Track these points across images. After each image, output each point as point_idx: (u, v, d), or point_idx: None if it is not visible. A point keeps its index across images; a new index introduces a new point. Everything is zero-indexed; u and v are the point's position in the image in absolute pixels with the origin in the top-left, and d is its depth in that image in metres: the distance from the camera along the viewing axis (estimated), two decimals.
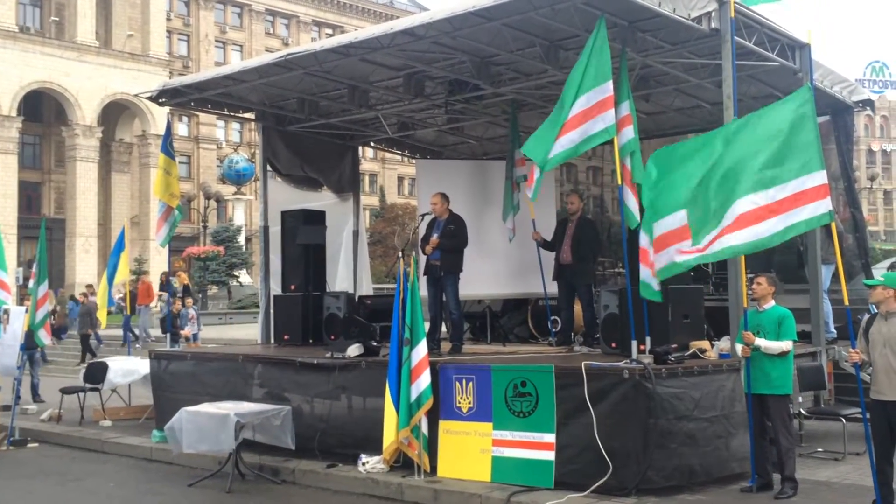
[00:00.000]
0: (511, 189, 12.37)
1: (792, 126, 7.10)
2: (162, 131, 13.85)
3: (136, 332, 23.53)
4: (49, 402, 14.67)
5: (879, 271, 13.81)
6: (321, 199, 15.05)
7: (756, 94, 11.99)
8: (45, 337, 13.67)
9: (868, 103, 12.38)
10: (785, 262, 12.43)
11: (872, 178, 68.61)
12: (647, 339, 8.48)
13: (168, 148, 13.48)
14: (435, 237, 10.75)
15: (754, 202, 7.10)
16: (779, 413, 7.67)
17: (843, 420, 9.33)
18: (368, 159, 65.35)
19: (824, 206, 6.91)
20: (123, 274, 15.83)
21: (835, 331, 10.97)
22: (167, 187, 13.18)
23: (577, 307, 11.37)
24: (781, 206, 7.00)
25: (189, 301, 21.86)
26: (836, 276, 11.27)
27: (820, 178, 6.93)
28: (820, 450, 9.54)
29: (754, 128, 7.38)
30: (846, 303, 7.14)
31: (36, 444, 12.31)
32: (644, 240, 7.98)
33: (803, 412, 9.65)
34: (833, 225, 7.32)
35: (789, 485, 7.57)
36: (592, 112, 8.11)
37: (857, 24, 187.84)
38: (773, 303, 7.87)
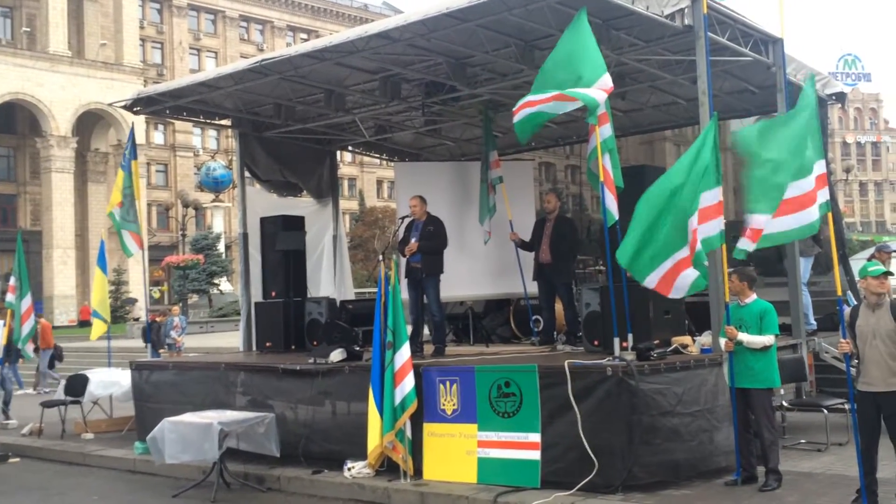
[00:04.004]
0: (486, 191, 12.39)
1: (805, 119, 7.19)
2: (137, 140, 13.56)
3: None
4: (30, 418, 14.50)
5: (856, 262, 13.93)
6: (300, 205, 15.01)
7: (730, 90, 12.08)
8: (30, 350, 13.61)
9: (841, 96, 12.48)
10: (764, 255, 12.48)
11: (848, 170, 69.30)
12: (630, 336, 8.50)
13: (127, 160, 13.42)
14: (413, 241, 10.73)
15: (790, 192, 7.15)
16: (762, 406, 7.72)
17: (825, 411, 9.38)
18: (347, 163, 65.24)
19: (824, 195, 6.99)
20: (102, 291, 15.59)
21: (815, 322, 11.05)
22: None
23: (559, 306, 11.39)
24: (807, 200, 7.07)
25: (175, 309, 21.74)
26: (815, 267, 11.39)
27: (822, 167, 7.03)
28: (803, 441, 9.60)
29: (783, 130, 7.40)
30: (838, 292, 7.19)
31: (17, 459, 12.20)
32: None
33: (785, 404, 9.70)
34: (830, 215, 7.38)
35: (773, 477, 7.62)
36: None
37: (829, 18, 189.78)
38: (754, 297, 7.90)
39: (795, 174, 7.14)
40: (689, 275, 7.66)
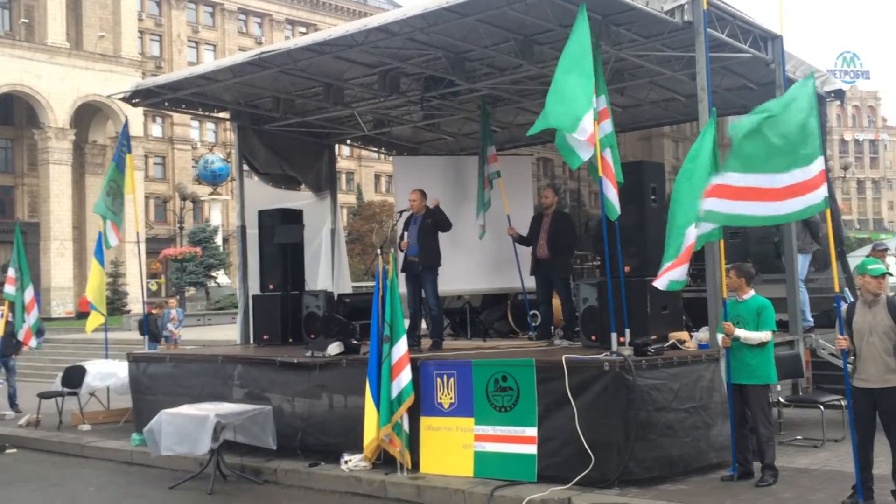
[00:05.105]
0: (483, 186, 12.39)
1: (801, 114, 7.18)
2: (135, 132, 13.63)
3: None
4: (27, 409, 14.51)
5: (853, 259, 13.97)
6: (298, 199, 15.00)
7: (730, 86, 12.09)
8: (33, 341, 13.79)
9: (839, 93, 12.48)
10: (762, 252, 12.54)
11: (846, 168, 69.39)
12: (627, 331, 8.51)
13: (118, 154, 13.47)
14: (406, 238, 10.77)
15: (768, 181, 7.14)
16: (758, 402, 7.73)
17: (822, 407, 9.41)
18: (345, 157, 65.17)
19: (822, 193, 7.01)
20: (97, 280, 15.56)
21: (811, 319, 11.07)
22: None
23: (556, 301, 11.40)
24: (792, 190, 7.06)
25: (172, 301, 21.71)
26: (813, 264, 11.41)
27: (821, 164, 7.05)
28: (799, 437, 9.62)
29: (773, 120, 7.40)
30: (836, 289, 7.21)
31: (14, 450, 12.20)
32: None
33: (782, 400, 9.73)
34: (829, 211, 7.39)
35: (769, 473, 7.64)
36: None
37: (828, 15, 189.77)
38: (752, 293, 7.92)
39: (785, 166, 7.16)
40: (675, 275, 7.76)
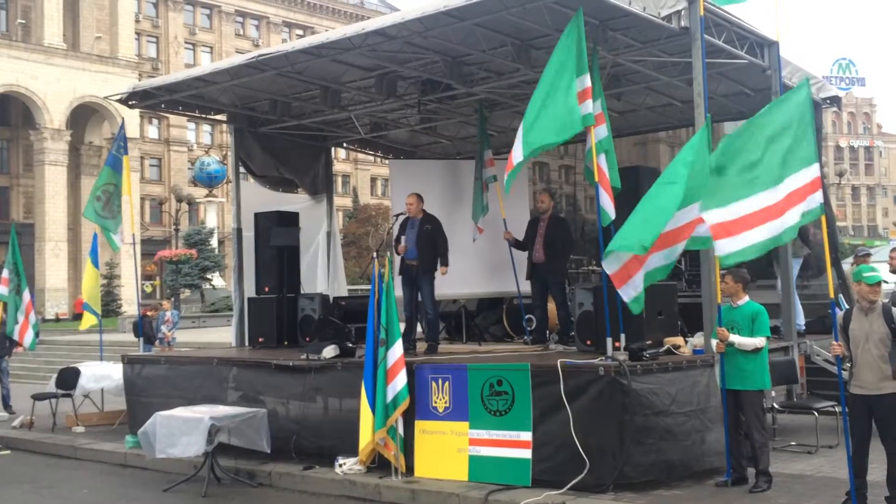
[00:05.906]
0: (481, 190, 12.40)
1: (792, 120, 7.16)
2: (131, 134, 13.64)
3: None
4: (21, 410, 14.47)
5: (848, 266, 13.99)
6: (294, 201, 14.99)
7: (726, 92, 12.11)
8: (27, 339, 13.88)
9: (835, 100, 12.53)
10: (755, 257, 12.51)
11: (841, 175, 69.47)
12: (622, 336, 8.52)
13: (112, 157, 13.50)
14: (403, 243, 10.83)
15: (765, 199, 7.03)
16: (752, 408, 7.74)
17: (816, 413, 9.41)
18: (341, 160, 65.13)
19: (818, 198, 7.00)
20: (91, 281, 15.55)
21: (802, 323, 11.06)
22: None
23: (552, 305, 11.41)
24: (790, 201, 7.02)
25: (166, 304, 21.65)
26: (805, 269, 11.42)
27: (815, 170, 7.03)
28: (793, 443, 9.63)
29: (762, 125, 7.33)
30: (831, 295, 7.20)
31: (8, 452, 12.17)
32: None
33: (776, 406, 9.74)
34: (824, 218, 7.39)
35: (764, 479, 7.64)
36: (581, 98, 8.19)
37: (824, 22, 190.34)
38: (746, 299, 7.93)
39: (766, 184, 7.07)
40: (639, 282, 7.60)
